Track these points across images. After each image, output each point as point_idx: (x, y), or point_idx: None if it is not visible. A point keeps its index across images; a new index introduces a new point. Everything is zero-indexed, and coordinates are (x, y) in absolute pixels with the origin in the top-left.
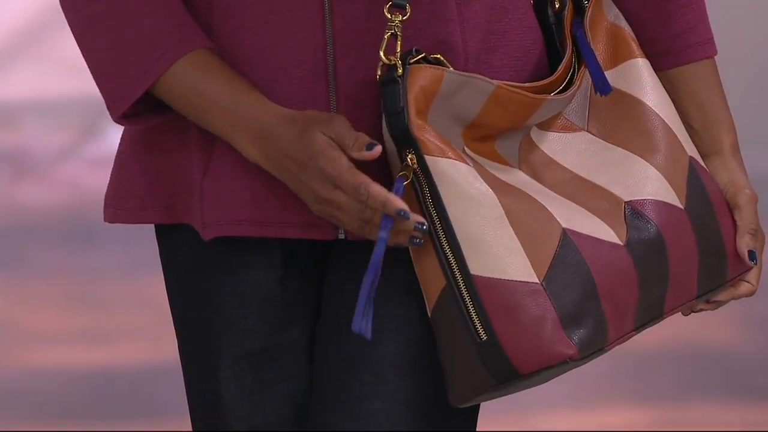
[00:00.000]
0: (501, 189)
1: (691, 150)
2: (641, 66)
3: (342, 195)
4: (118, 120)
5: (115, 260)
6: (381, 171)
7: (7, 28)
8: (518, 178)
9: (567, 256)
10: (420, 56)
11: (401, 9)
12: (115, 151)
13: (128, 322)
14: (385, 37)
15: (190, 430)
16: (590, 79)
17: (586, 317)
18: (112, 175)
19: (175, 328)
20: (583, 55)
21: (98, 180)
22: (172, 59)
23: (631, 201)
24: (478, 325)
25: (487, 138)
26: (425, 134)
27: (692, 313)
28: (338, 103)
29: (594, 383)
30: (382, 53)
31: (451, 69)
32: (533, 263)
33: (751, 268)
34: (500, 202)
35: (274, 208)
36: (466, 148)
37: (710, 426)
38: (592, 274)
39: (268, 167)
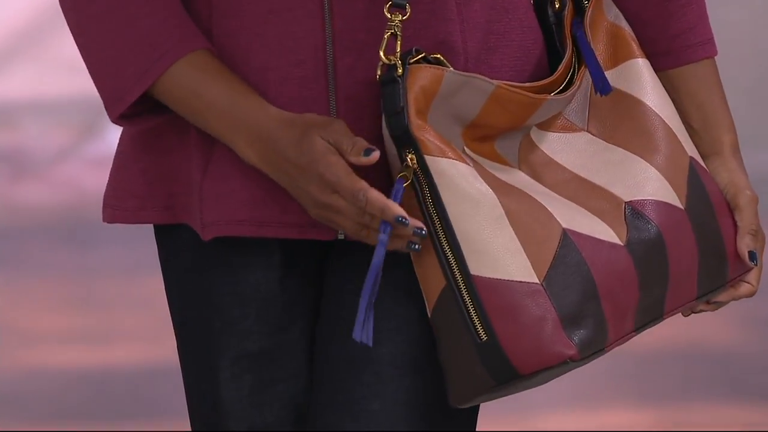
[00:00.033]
0: (501, 189)
1: (691, 150)
2: (641, 66)
3: (340, 199)
4: (117, 121)
5: (114, 260)
6: (381, 171)
7: (6, 27)
8: (518, 178)
9: (567, 256)
10: (420, 56)
11: (401, 9)
12: (114, 151)
13: (127, 323)
14: (385, 36)
15: (189, 430)
16: (590, 79)
17: (586, 318)
18: (111, 175)
19: (174, 329)
20: (583, 55)
21: (97, 180)
22: (171, 60)
23: (631, 201)
24: (478, 325)
25: (487, 138)
26: (425, 134)
27: (693, 314)
28: (338, 103)
29: (595, 383)
30: (381, 53)
31: (451, 69)
32: (533, 263)
33: (752, 268)
34: (500, 202)
35: (273, 208)
36: (465, 148)
37: (712, 426)
38: (592, 275)
39: (266, 170)
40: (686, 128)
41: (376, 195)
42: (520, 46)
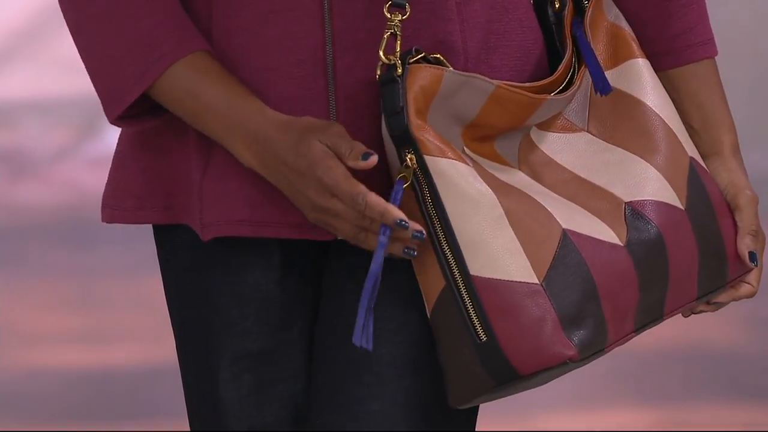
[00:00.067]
0: (500, 189)
1: (691, 150)
2: (641, 66)
3: (339, 203)
4: (115, 122)
5: (114, 260)
6: (380, 171)
7: (5, 27)
8: (518, 178)
9: (567, 256)
10: (419, 56)
11: (401, 8)
12: (114, 151)
13: (126, 323)
14: (385, 36)
15: (189, 430)
16: (590, 79)
17: (586, 318)
18: (110, 174)
19: (173, 329)
20: (584, 55)
21: (96, 180)
22: (169, 62)
23: (631, 201)
24: (478, 326)
25: (487, 138)
26: (425, 134)
27: (693, 314)
28: (337, 103)
29: (596, 383)
30: (381, 53)
31: (451, 69)
32: (533, 264)
33: (752, 269)
34: (500, 202)
35: (272, 208)
36: (465, 148)
37: (713, 426)
38: (592, 275)
39: (263, 173)
40: (686, 128)
41: (375, 199)
42: (520, 45)
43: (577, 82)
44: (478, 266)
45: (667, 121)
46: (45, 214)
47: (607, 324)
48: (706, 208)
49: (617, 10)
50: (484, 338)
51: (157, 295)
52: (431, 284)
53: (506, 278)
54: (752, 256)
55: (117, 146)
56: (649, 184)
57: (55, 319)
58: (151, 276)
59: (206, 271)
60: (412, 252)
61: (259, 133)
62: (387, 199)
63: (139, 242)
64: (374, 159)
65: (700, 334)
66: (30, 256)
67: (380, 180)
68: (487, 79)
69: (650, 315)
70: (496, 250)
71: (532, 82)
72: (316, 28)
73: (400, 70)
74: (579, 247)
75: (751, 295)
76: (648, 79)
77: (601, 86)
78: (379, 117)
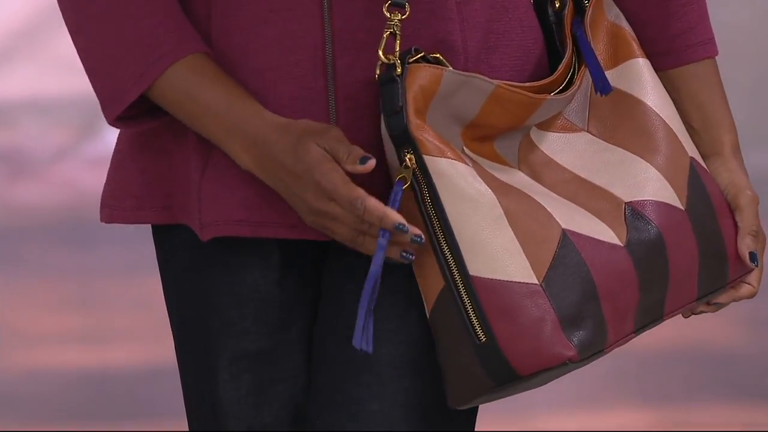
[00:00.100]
0: (500, 189)
1: (691, 150)
2: (642, 66)
3: (337, 207)
4: (113, 122)
5: (113, 260)
6: (380, 172)
7: (4, 27)
8: (517, 178)
9: (567, 257)
10: (419, 55)
11: (400, 8)
12: (112, 151)
13: (126, 323)
14: (384, 36)
15: (188, 430)
16: (590, 79)
17: (585, 319)
18: (108, 174)
19: (171, 328)
20: (584, 55)
21: (95, 180)
22: (169, 62)
23: (631, 202)
24: (477, 326)
25: (487, 138)
26: (424, 134)
27: (693, 315)
28: (337, 103)
29: (597, 384)
30: (380, 52)
31: (451, 68)
32: (532, 264)
33: (752, 269)
34: (499, 202)
35: (271, 208)
36: (465, 148)
37: (713, 426)
38: (591, 275)
39: (261, 176)
40: (687, 128)
41: (374, 203)
42: (520, 45)
43: (577, 82)
44: (477, 266)
45: (667, 121)
46: (44, 214)
47: (607, 324)
48: (707, 208)
49: (617, 9)
50: (483, 339)
51: (156, 295)
52: (430, 284)
53: (505, 278)
54: (753, 256)
55: (116, 146)
56: (649, 184)
57: (55, 319)
58: (151, 276)
59: (205, 271)
60: (409, 256)
61: (257, 135)
62: (386, 200)
63: (138, 242)
64: (372, 163)
65: (700, 335)
66: (29, 256)
67: (380, 180)
68: (486, 78)
69: (650, 315)
70: (495, 250)
71: (532, 81)
72: (315, 27)
73: (399, 70)
74: (579, 247)
75: (752, 296)
76: (648, 78)
77: (602, 86)
78: (379, 117)
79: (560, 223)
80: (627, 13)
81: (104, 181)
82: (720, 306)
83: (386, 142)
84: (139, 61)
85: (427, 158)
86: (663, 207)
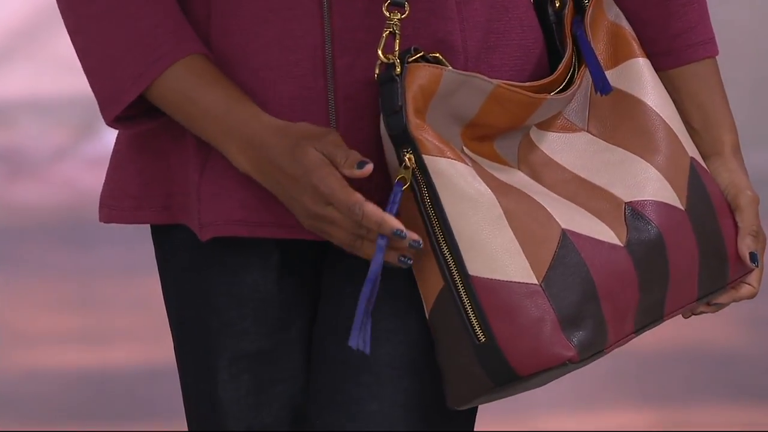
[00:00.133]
0: (500, 189)
1: (692, 150)
2: (642, 66)
3: (335, 211)
4: (111, 123)
5: (112, 260)
6: (380, 172)
7: (3, 27)
8: (517, 178)
9: (566, 257)
10: (419, 55)
11: (400, 7)
12: (111, 151)
13: (125, 323)
14: (384, 35)
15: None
16: (590, 79)
17: (585, 319)
18: (107, 174)
19: (171, 329)
20: (584, 55)
21: (94, 179)
22: (168, 63)
23: (631, 202)
24: (477, 326)
25: (486, 138)
26: (423, 134)
27: (694, 315)
28: (337, 103)
29: (596, 384)
30: (380, 52)
31: (450, 68)
32: (532, 264)
33: (753, 270)
34: (499, 202)
35: (271, 208)
36: (464, 148)
37: (713, 427)
38: (591, 276)
39: (258, 179)
40: (687, 128)
41: (372, 208)
42: (520, 45)
43: (577, 82)
44: (476, 266)
45: (667, 121)
46: (43, 213)
47: (607, 325)
48: (707, 208)
49: (618, 9)
50: (482, 339)
51: (155, 296)
52: (430, 285)
53: (505, 279)
54: (753, 256)
55: (115, 146)
56: (649, 184)
57: (54, 319)
58: (150, 276)
59: (205, 271)
60: (407, 261)
61: (254, 138)
62: (386, 201)
63: (137, 242)
64: (369, 168)
65: (700, 335)
66: (28, 256)
67: (379, 181)
68: (486, 78)
69: (650, 316)
70: (495, 250)
71: (532, 81)
72: (315, 27)
73: (398, 69)
74: (578, 247)
75: (752, 296)
76: (648, 78)
77: (602, 86)
78: (379, 117)
79: (560, 223)
80: (627, 13)
81: (103, 181)
82: (720, 306)
83: (385, 142)
84: (138, 62)
85: (426, 158)
86: (663, 207)
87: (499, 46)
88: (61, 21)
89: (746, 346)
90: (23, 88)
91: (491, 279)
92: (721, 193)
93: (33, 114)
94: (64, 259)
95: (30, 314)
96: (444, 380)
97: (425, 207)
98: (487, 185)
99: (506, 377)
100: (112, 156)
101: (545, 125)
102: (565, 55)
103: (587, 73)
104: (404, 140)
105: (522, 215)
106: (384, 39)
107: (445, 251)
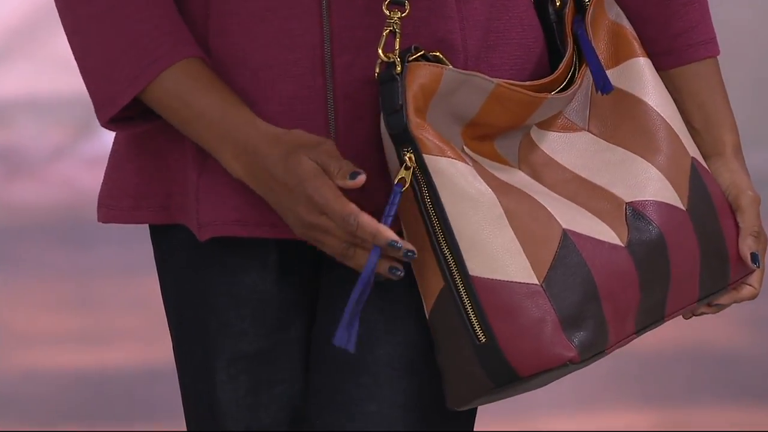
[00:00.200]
0: (500, 189)
1: (693, 150)
2: (643, 65)
3: (328, 221)
4: (106, 125)
5: (110, 260)
6: (380, 171)
7: (1, 26)
8: (518, 177)
9: (567, 257)
10: (419, 54)
11: (400, 6)
12: (110, 150)
13: (124, 323)
14: (384, 34)
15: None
16: (591, 78)
17: (586, 319)
18: (106, 174)
19: (169, 329)
20: (585, 54)
21: (93, 179)
22: (163, 66)
23: (632, 202)
24: (477, 327)
25: (487, 137)
26: (424, 133)
27: (695, 316)
28: (336, 102)
29: (598, 384)
30: (380, 51)
31: (451, 67)
32: (533, 264)
33: (754, 270)
34: (499, 202)
35: (269, 209)
36: (465, 147)
37: (714, 427)
38: (592, 276)
39: (251, 184)
40: (688, 128)
41: (367, 219)
42: (521, 44)
43: (578, 81)
44: (477, 266)
45: (668, 121)
46: (41, 213)
47: (608, 325)
48: (708, 208)
49: (618, 8)
50: (483, 339)
51: (154, 296)
52: (430, 284)
53: (506, 279)
54: (754, 257)
55: (113, 146)
56: (650, 184)
57: (52, 319)
58: (148, 276)
59: (203, 271)
60: (397, 272)
61: (248, 144)
62: (385, 202)
63: (136, 242)
64: (362, 178)
65: (701, 336)
66: (26, 256)
67: (379, 181)
68: (487, 77)
69: (651, 316)
70: (495, 250)
71: (533, 80)
72: (314, 25)
73: (399, 68)
74: (579, 247)
75: (753, 297)
76: (649, 78)
77: (602, 85)
78: (379, 116)
79: (561, 223)
80: (628, 12)
81: (101, 181)
82: (721, 307)
83: (386, 141)
84: (133, 64)
85: (426, 157)
86: (664, 207)
87: (500, 45)
88: (59, 21)
89: (747, 347)
90: (21, 88)
91: (492, 279)
92: (723, 193)
93: (31, 113)
94: (63, 259)
95: (28, 314)
96: (444, 381)
97: (426, 206)
98: (488, 185)
99: (507, 378)
100: (110, 156)
101: (546, 125)
102: (566, 55)
103: (588, 72)
104: (405, 139)
105: (523, 215)
106: (384, 38)
107: (446, 251)
